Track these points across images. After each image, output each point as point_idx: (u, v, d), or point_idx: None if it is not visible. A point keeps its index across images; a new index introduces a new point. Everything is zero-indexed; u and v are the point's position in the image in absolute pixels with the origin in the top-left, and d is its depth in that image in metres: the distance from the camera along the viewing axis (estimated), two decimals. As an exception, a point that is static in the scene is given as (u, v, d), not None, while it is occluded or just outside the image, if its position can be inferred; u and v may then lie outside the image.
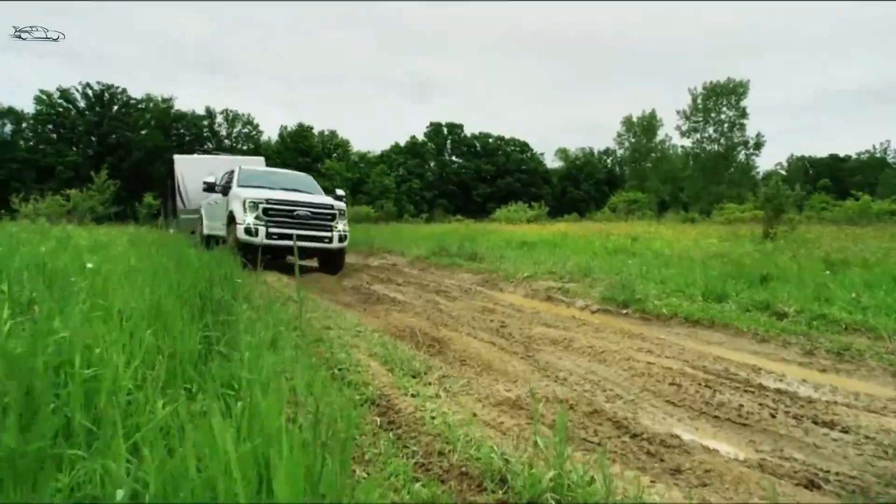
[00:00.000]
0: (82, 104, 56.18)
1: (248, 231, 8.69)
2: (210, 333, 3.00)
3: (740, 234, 12.70)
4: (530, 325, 5.09)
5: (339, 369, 3.29)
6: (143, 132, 56.41)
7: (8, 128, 54.72)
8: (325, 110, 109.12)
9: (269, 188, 9.80)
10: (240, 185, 9.87)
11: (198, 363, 2.50)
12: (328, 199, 9.95)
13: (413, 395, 2.85)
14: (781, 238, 11.90)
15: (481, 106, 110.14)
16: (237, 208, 9.10)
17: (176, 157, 15.80)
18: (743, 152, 59.41)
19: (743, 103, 57.72)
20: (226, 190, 10.20)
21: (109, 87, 57.21)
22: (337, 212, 9.50)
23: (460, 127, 71.70)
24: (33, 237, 6.08)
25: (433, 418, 2.54)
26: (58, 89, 55.01)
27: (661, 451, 2.30)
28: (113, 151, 53.71)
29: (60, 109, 55.10)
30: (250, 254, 7.97)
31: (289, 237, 8.78)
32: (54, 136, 54.63)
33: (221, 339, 2.81)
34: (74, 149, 53.65)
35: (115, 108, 57.20)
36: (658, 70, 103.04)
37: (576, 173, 73.70)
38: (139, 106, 58.60)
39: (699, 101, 59.31)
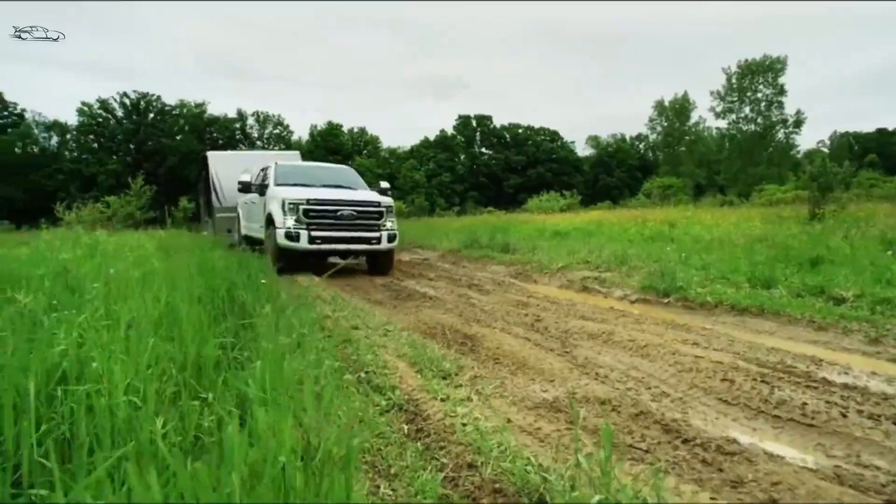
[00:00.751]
0: (120, 113, 57.84)
1: (289, 236, 8.05)
2: (227, 339, 2.88)
3: (784, 216, 12.10)
4: (566, 319, 4.85)
5: (366, 372, 3.13)
6: (177, 137, 57.75)
7: (54, 140, 56.92)
8: (354, 111, 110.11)
9: (309, 185, 9.04)
10: (277, 184, 9.10)
11: (213, 372, 2.37)
12: (373, 195, 9.08)
13: (443, 400, 2.67)
14: (830, 218, 11.28)
15: (510, 101, 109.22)
16: (276, 210, 8.36)
17: (209, 153, 15.20)
18: (782, 131, 57.22)
19: (781, 80, 55.54)
20: (262, 189, 9.49)
21: (145, 95, 58.77)
22: (384, 209, 8.68)
23: (489, 119, 71.16)
24: (65, 244, 6.12)
25: (464, 425, 2.35)
26: (97, 100, 56.80)
27: (718, 460, 2.06)
28: (150, 157, 55.24)
29: (100, 119, 56.87)
30: (292, 261, 8.19)
31: (334, 240, 8.26)
32: (95, 145, 56.45)
33: (237, 346, 2.67)
34: (114, 157, 55.28)
35: (151, 115, 58.73)
36: (690, 55, 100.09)
37: (608, 160, 72.34)
38: (173, 112, 60.01)
39: (734, 80, 57.31)
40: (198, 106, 60.74)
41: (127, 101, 57.99)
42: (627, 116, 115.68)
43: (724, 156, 59.99)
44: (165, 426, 1.55)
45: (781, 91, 55.74)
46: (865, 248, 7.22)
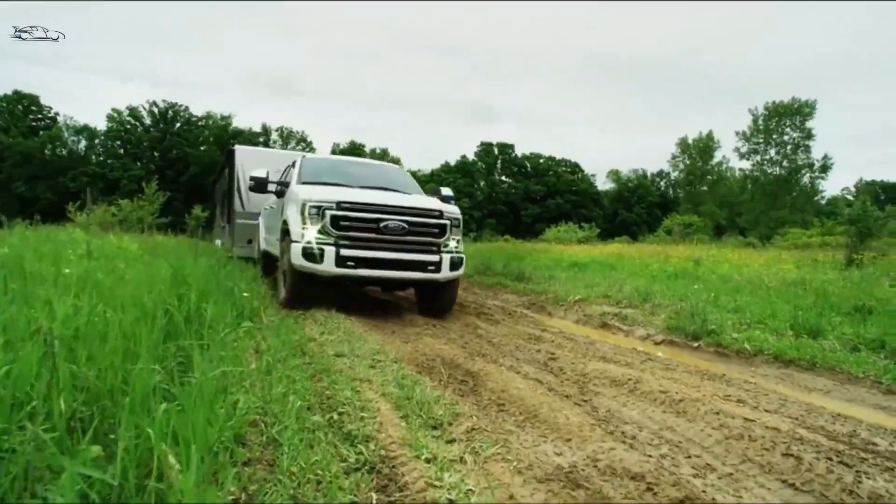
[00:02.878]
0: (148, 121, 58.72)
1: (308, 254, 5.49)
2: (172, 364, 2.34)
3: (819, 260, 11.38)
4: (584, 359, 4.25)
5: (340, 413, 2.57)
6: (201, 148, 58.34)
7: (82, 143, 57.91)
8: (382, 131, 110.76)
9: (344, 185, 6.51)
10: (301, 182, 6.58)
11: (137, 407, 1.83)
12: (433, 202, 6.39)
13: (428, 460, 2.08)
14: (869, 265, 10.54)
15: (534, 129, 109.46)
16: (293, 217, 5.84)
17: (237, 147, 12.67)
18: (807, 176, 56.10)
19: (809, 124, 54.66)
20: (283, 190, 6.97)
21: (173, 104, 59.68)
22: (448, 222, 6.06)
23: (511, 147, 71.00)
24: (43, 244, 5.69)
25: (451, 502, 1.77)
26: (127, 107, 57.79)
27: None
28: (172, 165, 55.86)
29: (129, 126, 57.77)
30: (309, 290, 5.79)
31: (373, 263, 5.62)
32: (121, 151, 57.25)
33: (186, 371, 2.13)
34: (138, 163, 55.93)
35: (178, 125, 59.52)
36: (719, 94, 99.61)
37: (628, 195, 71.56)
38: (199, 123, 60.78)
39: (760, 121, 56.57)
40: (224, 118, 61.49)
41: (155, 110, 58.91)
42: (649, 152, 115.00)
43: (747, 197, 58.90)
44: None
45: (809, 135, 54.81)
46: (918, 300, 6.51)
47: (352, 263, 5.55)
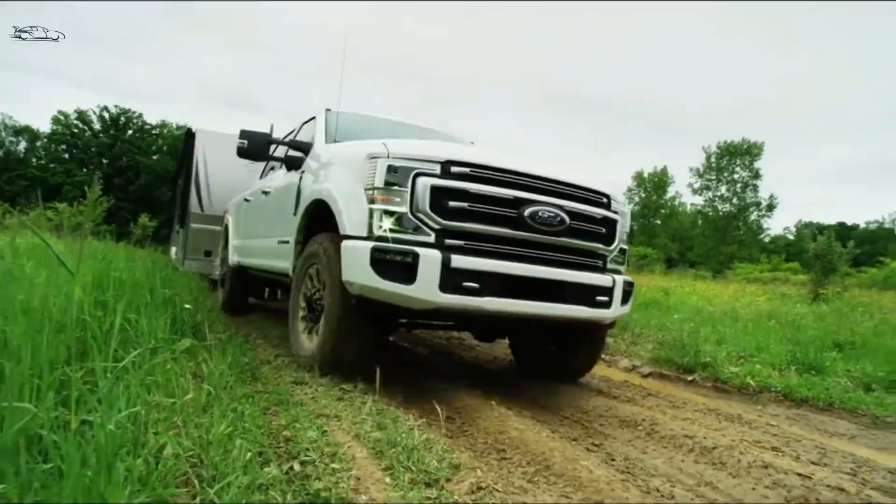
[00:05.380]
0: (98, 126, 56.16)
1: (382, 262, 2.82)
2: (70, 394, 1.69)
3: (787, 294, 11.37)
4: (579, 392, 3.74)
5: (303, 463, 1.95)
6: (154, 157, 56.13)
7: (22, 145, 54.77)
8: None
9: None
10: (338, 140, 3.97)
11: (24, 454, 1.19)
12: (593, 182, 3.47)
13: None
14: (834, 299, 10.54)
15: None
16: (343, 189, 3.21)
17: (199, 130, 9.68)
18: (755, 213, 58.37)
19: (757, 164, 57.07)
20: (294, 160, 4.23)
21: (126, 111, 57.40)
22: (618, 216, 3.49)
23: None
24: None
25: None
26: (75, 111, 55.20)
27: None
28: (122, 173, 53.42)
29: (76, 130, 55.08)
30: (367, 338, 3.20)
31: (514, 289, 2.97)
32: (66, 155, 54.44)
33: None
34: (84, 169, 53.25)
35: (130, 132, 57.14)
36: (673, 130, 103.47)
37: (585, 225, 72.73)
38: (153, 132, 58.60)
39: (713, 159, 58.75)
40: (179, 128, 59.49)
41: (106, 115, 56.45)
42: (609, 182, 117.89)
43: (698, 232, 60.80)
44: None
45: (757, 175, 57.19)
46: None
47: (473, 285, 2.83)
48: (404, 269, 2.77)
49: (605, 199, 3.46)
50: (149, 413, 1.87)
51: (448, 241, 2.88)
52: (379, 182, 2.91)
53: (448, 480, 1.93)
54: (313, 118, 4.67)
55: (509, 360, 5.03)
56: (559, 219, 3.08)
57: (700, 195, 60.17)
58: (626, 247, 3.65)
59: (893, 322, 7.90)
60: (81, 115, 55.44)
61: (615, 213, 3.46)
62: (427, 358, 4.86)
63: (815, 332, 6.56)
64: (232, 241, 6.33)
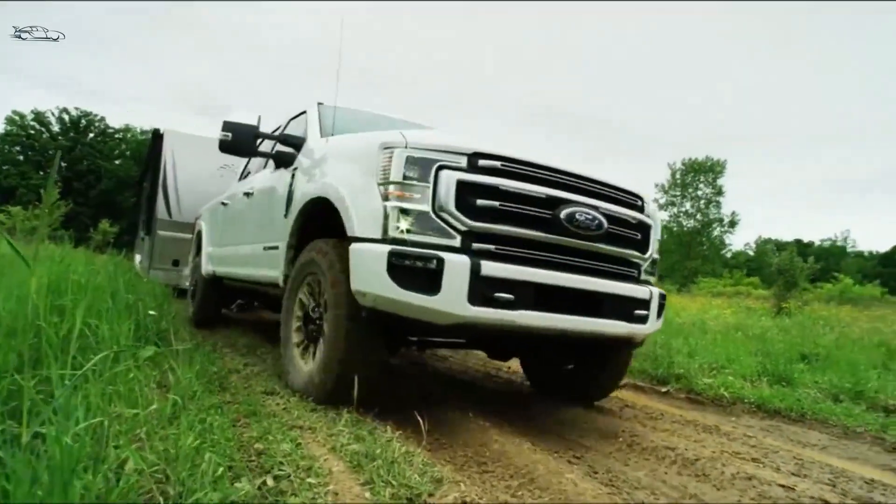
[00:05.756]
0: (56, 128, 54.34)
1: (401, 269, 2.41)
2: (20, 404, 1.56)
3: (751, 307, 11.66)
4: (553, 402, 3.69)
5: (276, 477, 1.84)
6: (116, 161, 54.59)
7: (-29, 145, 52.57)
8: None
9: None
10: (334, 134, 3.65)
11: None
12: (624, 183, 3.14)
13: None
14: (797, 313, 10.84)
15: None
16: (352, 184, 2.81)
17: (167, 131, 9.13)
18: (718, 229, 59.98)
19: (720, 182, 58.74)
20: (284, 157, 3.85)
21: (87, 114, 55.76)
22: (651, 221, 3.20)
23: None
24: None
25: None
26: (32, 111, 53.29)
27: None
28: (81, 178, 51.76)
29: (32, 132, 53.15)
30: (370, 361, 2.77)
31: (551, 300, 2.62)
32: (21, 157, 52.43)
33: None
34: (41, 172, 51.37)
35: (91, 135, 55.47)
36: (641, 146, 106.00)
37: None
38: (116, 136, 57.03)
39: (678, 175, 60.23)
40: (143, 133, 58.03)
41: (66, 117, 54.70)
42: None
43: (664, 247, 62.17)
44: None
45: (720, 192, 58.83)
46: (864, 349, 6.53)
47: (507, 297, 2.48)
48: (427, 276, 2.39)
49: (639, 202, 3.18)
50: (110, 425, 1.74)
51: (475, 246, 2.52)
52: (395, 176, 2.53)
53: (431, 495, 1.84)
54: (303, 112, 4.33)
55: (483, 370, 4.97)
56: (597, 222, 2.75)
57: (665, 210, 61.55)
58: (657, 256, 3.39)
59: (852, 335, 8.14)
60: (38, 116, 53.60)
61: (648, 217, 3.19)
62: (400, 369, 4.75)
63: (782, 345, 6.70)
64: (205, 249, 5.93)
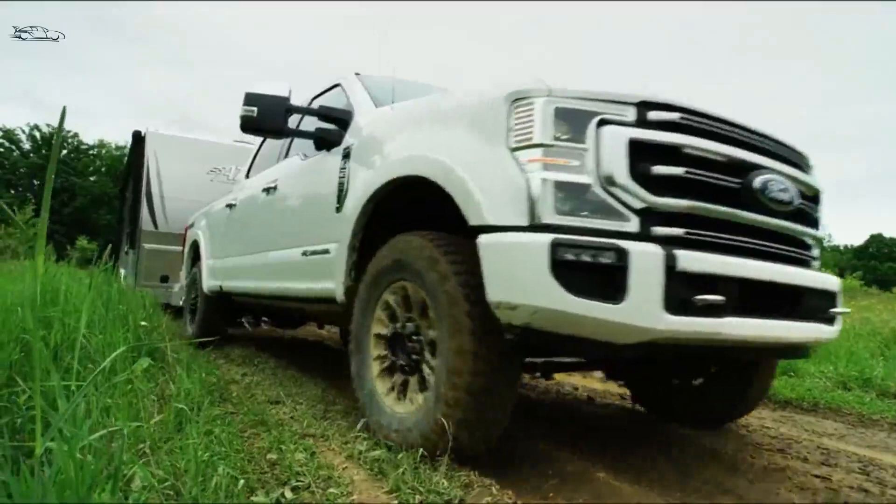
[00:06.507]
0: (27, 146, 53.20)
1: (566, 265, 1.64)
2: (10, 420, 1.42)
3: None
4: (558, 396, 3.59)
5: (295, 489, 1.70)
6: (91, 178, 53.58)
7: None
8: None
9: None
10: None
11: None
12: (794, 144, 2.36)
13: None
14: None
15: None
16: (464, 147, 2.02)
17: (150, 133, 8.30)
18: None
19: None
20: (329, 136, 3.05)
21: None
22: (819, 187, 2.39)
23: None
24: None
25: None
26: (1, 128, 52.08)
27: None
28: (56, 196, 50.56)
29: (2, 150, 51.95)
30: (503, 395, 1.95)
31: (757, 304, 1.85)
32: (-10, 175, 51.26)
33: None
34: (13, 191, 50.19)
35: (65, 152, 54.36)
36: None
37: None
38: (90, 152, 56.03)
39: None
40: (119, 149, 57.03)
41: (37, 134, 53.56)
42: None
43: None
44: None
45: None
46: (856, 337, 6.56)
47: (717, 299, 1.72)
48: (605, 277, 1.65)
49: (810, 163, 2.46)
50: (113, 439, 1.59)
51: (658, 230, 1.75)
52: (540, 136, 1.78)
53: (462, 501, 1.72)
54: (336, 86, 3.54)
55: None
56: (789, 194, 2.02)
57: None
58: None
59: (844, 326, 8.19)
60: (8, 134, 52.38)
61: (819, 193, 2.40)
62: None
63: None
64: (206, 262, 5.16)
